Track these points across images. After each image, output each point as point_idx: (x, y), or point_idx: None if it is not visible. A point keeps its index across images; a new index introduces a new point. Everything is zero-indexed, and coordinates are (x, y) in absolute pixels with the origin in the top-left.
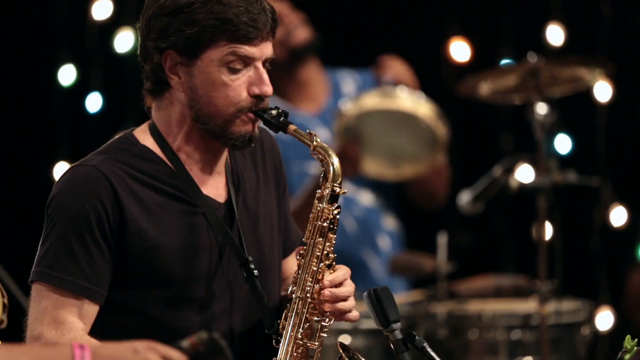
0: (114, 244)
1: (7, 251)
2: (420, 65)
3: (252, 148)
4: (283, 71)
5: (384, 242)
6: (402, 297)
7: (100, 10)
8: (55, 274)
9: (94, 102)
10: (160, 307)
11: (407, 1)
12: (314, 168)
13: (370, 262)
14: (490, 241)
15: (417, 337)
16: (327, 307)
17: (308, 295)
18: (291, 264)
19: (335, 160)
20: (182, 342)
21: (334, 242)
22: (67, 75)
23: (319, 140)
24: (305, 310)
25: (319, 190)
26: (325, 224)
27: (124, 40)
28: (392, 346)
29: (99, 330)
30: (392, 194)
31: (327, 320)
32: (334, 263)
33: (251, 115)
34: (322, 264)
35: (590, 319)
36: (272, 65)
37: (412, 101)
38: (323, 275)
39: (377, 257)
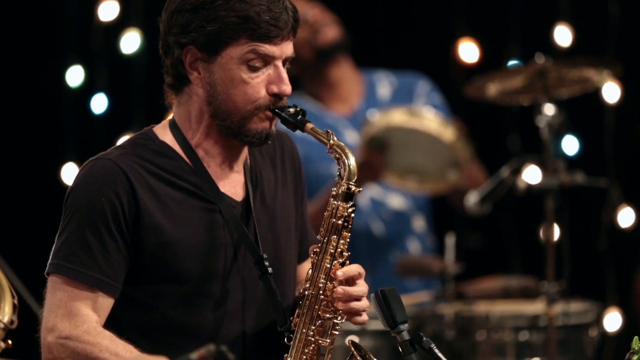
0: (130, 238)
1: (15, 252)
2: (428, 66)
3: (273, 150)
4: (313, 71)
5: (414, 245)
6: (410, 298)
7: (107, 11)
8: (71, 266)
9: (99, 103)
10: (174, 304)
11: (416, 2)
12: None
13: (412, 285)
14: (498, 242)
15: (424, 338)
16: (339, 305)
17: (321, 292)
18: (306, 268)
19: (352, 159)
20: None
21: (348, 240)
22: (75, 76)
23: (335, 138)
24: (317, 307)
25: (334, 188)
26: (339, 222)
27: (130, 42)
28: (399, 347)
29: (112, 326)
30: (423, 196)
31: (339, 318)
32: (347, 261)
33: (269, 113)
34: (335, 261)
35: (598, 320)
36: (301, 65)
37: (438, 124)
38: (337, 274)
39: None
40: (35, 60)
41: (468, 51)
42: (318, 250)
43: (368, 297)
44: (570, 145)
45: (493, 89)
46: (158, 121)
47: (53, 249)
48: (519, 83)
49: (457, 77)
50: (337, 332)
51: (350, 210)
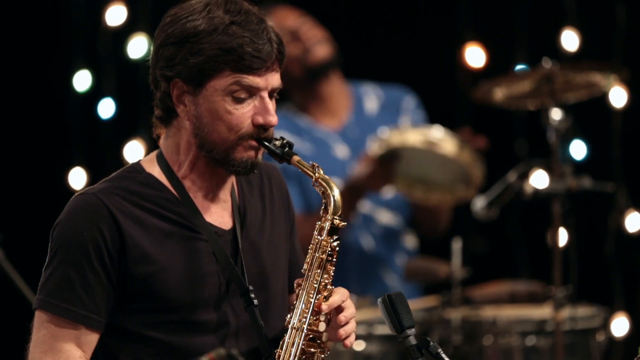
0: (115, 272)
1: (22, 256)
2: (435, 71)
3: (260, 181)
4: (302, 86)
5: (402, 261)
6: (417, 303)
7: (114, 16)
8: (54, 302)
9: (106, 108)
10: (167, 332)
11: (422, 7)
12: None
13: (388, 280)
14: (504, 247)
15: (431, 343)
16: (324, 336)
17: (304, 326)
18: None
19: (336, 193)
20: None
21: (332, 274)
22: (82, 81)
23: (321, 172)
24: (301, 342)
25: (319, 222)
26: (323, 256)
27: (138, 46)
28: (406, 352)
29: (104, 356)
30: (412, 213)
31: (324, 352)
32: (331, 294)
33: (253, 142)
34: (319, 295)
35: (605, 325)
36: (290, 81)
37: (454, 146)
38: (320, 306)
39: (395, 275)
40: (43, 65)
41: (475, 56)
42: (302, 283)
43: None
44: (577, 149)
45: (500, 93)
46: (151, 133)
47: (40, 282)
48: (526, 87)
49: (464, 82)
50: None
51: (334, 244)
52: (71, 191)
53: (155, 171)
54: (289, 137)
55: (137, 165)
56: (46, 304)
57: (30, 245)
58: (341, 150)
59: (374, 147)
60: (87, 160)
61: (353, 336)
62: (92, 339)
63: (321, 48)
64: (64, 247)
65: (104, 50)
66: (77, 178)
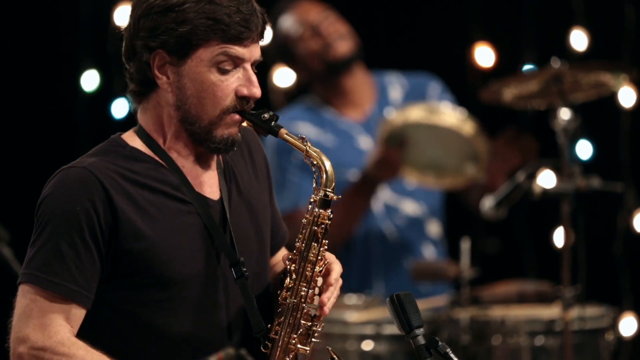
0: (105, 247)
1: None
2: (444, 71)
3: (240, 149)
4: (324, 80)
5: (429, 251)
6: (425, 303)
7: (123, 15)
8: (44, 277)
9: (120, 108)
10: (157, 310)
11: (431, 6)
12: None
13: (427, 289)
14: (513, 247)
15: (440, 343)
16: (319, 311)
17: (302, 300)
18: (277, 261)
19: (328, 165)
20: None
21: (326, 247)
22: (90, 80)
23: (310, 145)
24: (299, 316)
25: (312, 196)
26: (319, 229)
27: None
28: (415, 352)
29: (91, 333)
30: (438, 201)
31: (317, 326)
32: (329, 267)
33: (237, 117)
34: (316, 269)
35: (614, 325)
36: (313, 75)
37: (456, 118)
38: (317, 281)
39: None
40: (51, 65)
41: (484, 56)
42: (297, 257)
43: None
44: (585, 149)
45: (509, 93)
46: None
47: (26, 258)
48: (535, 87)
49: (472, 82)
50: (315, 340)
51: (330, 217)
52: None
53: (138, 144)
54: (312, 130)
55: (119, 139)
56: (36, 278)
57: None
58: (365, 142)
59: (379, 131)
60: None
61: (332, 302)
62: (80, 314)
63: (342, 44)
64: (55, 221)
65: (113, 50)
66: None
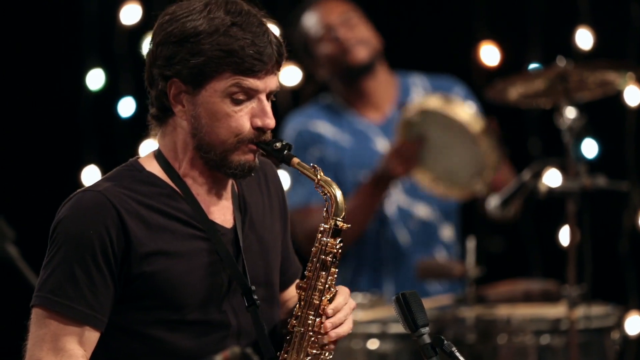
0: (118, 271)
1: (34, 256)
2: (450, 69)
3: (257, 176)
4: (345, 82)
5: (441, 254)
6: (431, 302)
7: (129, 14)
8: (57, 300)
9: (126, 107)
10: (166, 331)
11: (437, 5)
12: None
13: (433, 288)
14: (518, 246)
15: (445, 342)
16: (326, 338)
17: (309, 329)
18: (290, 296)
19: (339, 195)
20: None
21: (335, 276)
22: (95, 79)
23: (322, 174)
24: (306, 344)
25: (322, 225)
26: (328, 258)
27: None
28: (420, 351)
29: (104, 355)
30: (453, 206)
31: (326, 354)
32: (335, 296)
33: (252, 146)
34: (324, 297)
35: (619, 324)
36: (332, 74)
37: (470, 114)
38: (325, 309)
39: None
40: (57, 64)
41: (489, 54)
42: (305, 286)
43: (390, 301)
44: (591, 148)
45: (514, 92)
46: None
47: (38, 280)
48: (540, 86)
49: (478, 80)
50: None
51: (338, 246)
52: None
53: (156, 169)
54: (329, 129)
55: (136, 164)
56: (49, 301)
57: (43, 243)
58: (382, 144)
59: (399, 119)
60: (100, 159)
61: (343, 330)
62: (94, 338)
63: (360, 49)
64: (69, 245)
65: (120, 50)
66: (90, 176)
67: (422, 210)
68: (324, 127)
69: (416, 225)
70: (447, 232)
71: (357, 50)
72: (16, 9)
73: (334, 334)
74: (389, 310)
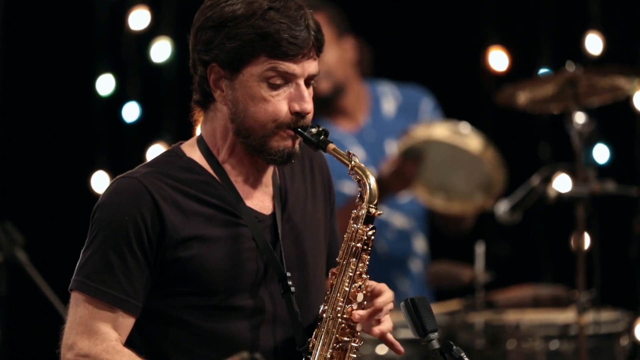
0: (154, 256)
1: (46, 259)
2: (459, 74)
3: (302, 163)
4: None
5: (416, 265)
6: (440, 307)
7: (138, 20)
8: (92, 284)
9: (131, 112)
10: (204, 316)
11: (446, 10)
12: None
13: (400, 285)
14: (528, 251)
15: (454, 347)
16: (358, 326)
17: (339, 315)
18: None
19: (372, 181)
20: None
21: (367, 263)
22: (105, 84)
23: (357, 160)
24: (335, 330)
25: (355, 211)
26: (359, 245)
27: (161, 50)
28: (429, 356)
29: (141, 340)
30: (424, 217)
31: (357, 341)
32: (366, 283)
33: (290, 131)
34: (354, 284)
35: (629, 329)
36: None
37: (480, 144)
38: (356, 296)
39: (407, 280)
40: (67, 69)
41: (498, 59)
42: (337, 272)
43: (397, 307)
44: (600, 153)
45: (523, 97)
46: (188, 130)
47: (78, 263)
48: (550, 91)
49: (487, 86)
50: (354, 355)
51: (370, 233)
52: (94, 194)
53: (196, 155)
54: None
55: (178, 150)
56: (85, 285)
57: (53, 248)
58: (357, 153)
59: (400, 143)
60: (110, 164)
61: (396, 343)
62: (128, 322)
63: (321, 83)
64: (105, 230)
65: (128, 54)
66: (100, 181)
67: (399, 220)
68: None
69: (393, 236)
70: (420, 243)
71: (318, 83)
72: (28, 16)
73: (377, 330)
74: (397, 316)
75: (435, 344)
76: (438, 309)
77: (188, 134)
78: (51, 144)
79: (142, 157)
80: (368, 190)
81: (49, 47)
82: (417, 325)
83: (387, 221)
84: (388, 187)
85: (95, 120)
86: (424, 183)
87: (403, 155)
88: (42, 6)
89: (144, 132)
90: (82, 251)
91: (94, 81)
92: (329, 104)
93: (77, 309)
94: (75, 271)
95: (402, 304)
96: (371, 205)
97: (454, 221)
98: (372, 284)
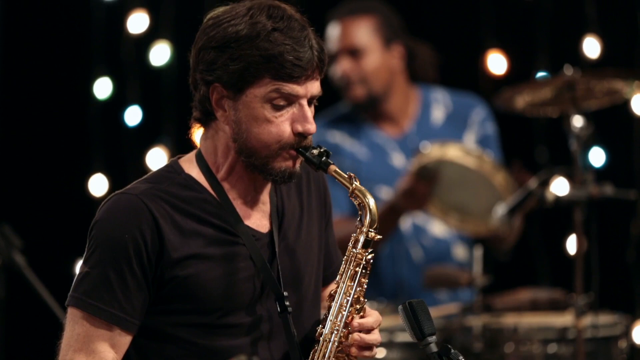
0: (152, 275)
1: (44, 263)
2: (457, 78)
3: (299, 176)
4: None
5: None
6: (438, 310)
7: (136, 23)
8: (90, 302)
9: (133, 115)
10: (198, 334)
11: (444, 14)
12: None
13: (437, 292)
14: (526, 254)
15: (452, 351)
16: (353, 351)
17: (336, 338)
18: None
19: (372, 204)
20: None
21: (365, 287)
22: (102, 88)
23: (358, 183)
24: (331, 354)
25: (354, 234)
26: (357, 269)
27: (160, 54)
28: (427, 359)
29: (137, 357)
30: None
31: None
32: (364, 307)
33: (293, 152)
34: (352, 308)
35: (627, 333)
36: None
37: (492, 167)
38: (352, 319)
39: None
40: (65, 73)
41: (496, 63)
42: (335, 294)
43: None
44: (598, 157)
45: (521, 100)
46: (187, 134)
47: (75, 279)
48: (548, 95)
49: (485, 89)
50: None
51: (369, 257)
52: (91, 198)
53: (194, 172)
54: (346, 140)
55: (176, 165)
56: (83, 302)
57: (51, 251)
58: (398, 159)
59: (414, 162)
60: (107, 167)
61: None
62: (125, 340)
63: (357, 89)
64: (104, 247)
65: (127, 58)
66: (98, 185)
67: (437, 228)
68: (342, 138)
69: (430, 242)
70: (460, 251)
71: (354, 88)
72: (25, 19)
73: (356, 352)
74: (395, 319)
75: (433, 347)
76: (436, 312)
77: (187, 138)
78: (49, 148)
79: (140, 161)
80: (368, 214)
81: (47, 50)
82: (415, 328)
83: (425, 228)
84: (401, 207)
85: (93, 123)
86: (439, 203)
87: (416, 174)
88: (40, 10)
89: (143, 135)
90: (80, 266)
91: (91, 85)
92: (371, 109)
93: (75, 325)
94: (72, 287)
95: (400, 307)
96: (371, 230)
97: (493, 242)
98: (368, 322)
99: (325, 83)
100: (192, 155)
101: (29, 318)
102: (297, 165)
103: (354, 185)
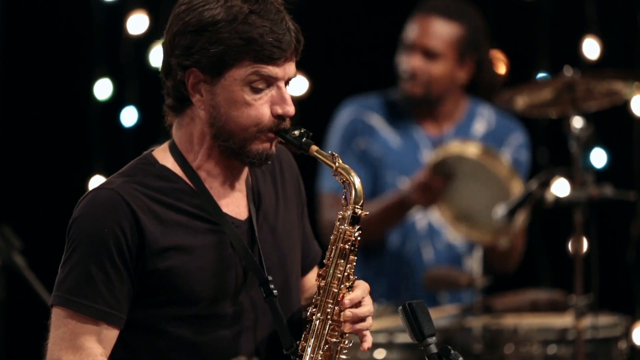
0: (134, 268)
1: (43, 264)
2: None
3: (272, 164)
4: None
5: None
6: (438, 311)
7: (136, 24)
8: (74, 299)
9: (129, 116)
10: (186, 325)
11: None
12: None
13: (441, 298)
14: (526, 255)
15: (452, 352)
16: (347, 328)
17: (329, 317)
18: (310, 279)
19: (357, 182)
20: None
21: (354, 264)
22: (103, 89)
23: (340, 161)
24: (325, 332)
25: (341, 212)
26: (346, 246)
27: (160, 55)
28: None
29: (124, 351)
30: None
31: (346, 342)
32: (354, 285)
33: (271, 134)
34: (342, 285)
35: (627, 334)
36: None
37: (508, 171)
38: (343, 297)
39: (449, 295)
40: (65, 74)
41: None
42: (324, 274)
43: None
44: (598, 158)
45: (521, 101)
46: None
47: (57, 279)
48: (547, 96)
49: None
50: (344, 357)
51: (357, 234)
52: None
53: (169, 162)
54: (382, 125)
55: (150, 157)
56: (67, 300)
57: (51, 252)
58: (428, 156)
59: (432, 155)
60: (107, 168)
61: (369, 336)
62: (112, 335)
63: (415, 86)
64: (84, 243)
65: (126, 59)
66: None
67: (451, 234)
68: (378, 122)
69: (443, 246)
70: (471, 262)
71: (415, 85)
72: (25, 20)
73: (350, 328)
74: (395, 320)
75: (433, 349)
76: (436, 313)
77: (165, 127)
78: (49, 148)
79: None
80: (353, 191)
81: (47, 51)
82: (415, 329)
83: (440, 231)
84: (411, 199)
85: (94, 124)
86: (451, 208)
87: (433, 168)
88: (40, 10)
89: (142, 136)
90: (60, 266)
91: (91, 86)
92: (421, 107)
93: (60, 324)
94: (55, 286)
95: (400, 308)
96: (357, 206)
97: (498, 258)
98: (357, 295)
99: (382, 66)
100: (165, 145)
101: (28, 319)
102: (274, 147)
103: (337, 163)
